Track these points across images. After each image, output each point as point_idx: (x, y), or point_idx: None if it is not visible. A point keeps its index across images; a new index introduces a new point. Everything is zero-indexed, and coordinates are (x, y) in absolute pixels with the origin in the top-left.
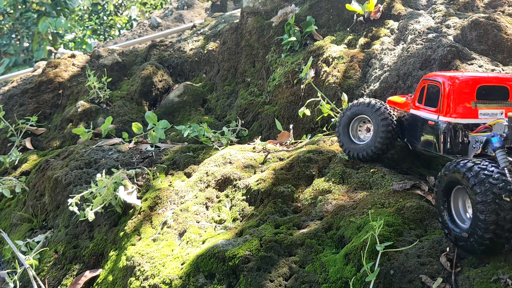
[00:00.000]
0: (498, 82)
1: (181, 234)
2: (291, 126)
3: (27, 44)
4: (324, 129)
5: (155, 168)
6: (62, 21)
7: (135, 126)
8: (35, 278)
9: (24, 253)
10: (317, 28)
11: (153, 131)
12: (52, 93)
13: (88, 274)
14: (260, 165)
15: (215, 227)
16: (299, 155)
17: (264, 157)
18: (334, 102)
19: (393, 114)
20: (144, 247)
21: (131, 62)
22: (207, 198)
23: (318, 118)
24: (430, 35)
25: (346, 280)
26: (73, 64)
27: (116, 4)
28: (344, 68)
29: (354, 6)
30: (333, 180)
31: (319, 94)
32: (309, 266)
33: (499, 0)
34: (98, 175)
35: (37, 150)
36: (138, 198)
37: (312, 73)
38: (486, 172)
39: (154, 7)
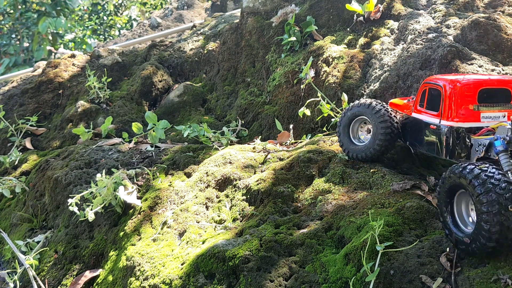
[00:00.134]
0: (500, 84)
1: (181, 234)
2: (291, 126)
3: (27, 44)
4: (324, 129)
5: (155, 168)
6: (62, 21)
7: (135, 126)
8: (35, 278)
9: (24, 253)
10: (317, 28)
11: (153, 131)
12: (52, 93)
13: (88, 274)
14: (260, 165)
15: (215, 227)
16: (299, 155)
17: (264, 157)
18: (334, 102)
19: (393, 116)
20: (144, 247)
21: (131, 62)
22: (207, 198)
23: (318, 118)
24: (430, 35)
25: (346, 280)
26: (73, 64)
27: (116, 4)
28: (344, 68)
29: (354, 6)
30: (333, 180)
31: (319, 94)
32: (309, 266)
33: (499, 0)
34: (98, 175)
35: (37, 150)
36: (138, 198)
37: (312, 73)
38: (493, 181)
39: (154, 7)
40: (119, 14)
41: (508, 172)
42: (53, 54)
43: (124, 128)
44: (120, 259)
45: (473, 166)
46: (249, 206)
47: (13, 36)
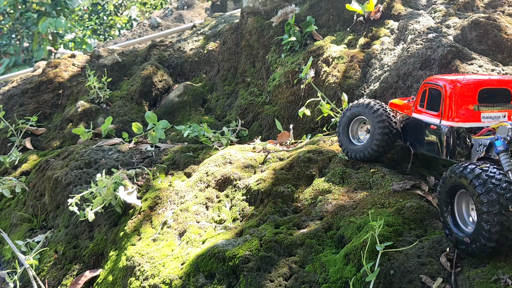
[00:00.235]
0: (500, 84)
1: (181, 234)
2: (291, 126)
3: (27, 44)
4: (324, 129)
5: (155, 168)
6: (62, 21)
7: (135, 126)
8: (35, 278)
9: (24, 253)
10: (317, 28)
11: (153, 131)
12: (52, 93)
13: (88, 274)
14: (260, 165)
15: (215, 227)
16: (299, 155)
17: (264, 157)
18: (334, 102)
19: (392, 117)
20: (144, 247)
21: (131, 62)
22: (207, 198)
23: (318, 118)
24: (430, 35)
25: (346, 280)
26: (73, 64)
27: (116, 4)
28: (344, 68)
29: (354, 6)
30: (333, 180)
31: (319, 94)
32: (309, 266)
33: (499, 0)
34: (98, 175)
35: (37, 150)
36: (138, 198)
37: (312, 73)
38: (493, 181)
39: (154, 7)
40: (119, 14)
41: (509, 172)
42: (53, 54)
43: (124, 128)
44: (120, 259)
45: (474, 166)
46: (249, 206)
47: (13, 36)
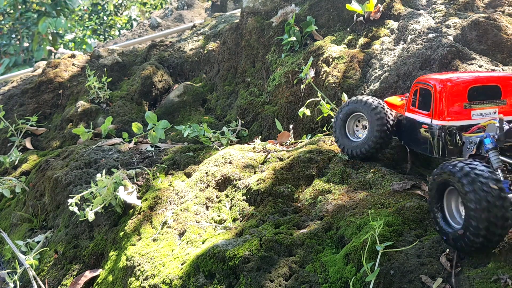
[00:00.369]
0: (489, 81)
1: (181, 234)
2: (291, 126)
3: (27, 44)
4: (324, 129)
5: (155, 168)
6: (62, 21)
7: (135, 126)
8: (35, 278)
9: (24, 253)
10: (317, 28)
11: (153, 131)
12: (52, 93)
13: (88, 274)
14: (260, 165)
15: (215, 227)
16: (299, 155)
17: (264, 157)
18: (334, 102)
19: (389, 114)
20: (144, 247)
21: (131, 62)
22: (207, 198)
23: (318, 118)
24: (430, 35)
25: (346, 280)
26: (73, 64)
27: (116, 4)
28: (344, 68)
29: (354, 6)
30: (333, 180)
31: (319, 94)
32: (309, 266)
33: (499, 0)
34: (98, 175)
35: (37, 150)
36: (138, 198)
37: (312, 73)
38: (481, 179)
39: (154, 7)
40: (119, 14)
41: (498, 169)
42: (53, 54)
43: (124, 128)
44: (120, 259)
45: (463, 164)
46: (249, 206)
47: (13, 36)
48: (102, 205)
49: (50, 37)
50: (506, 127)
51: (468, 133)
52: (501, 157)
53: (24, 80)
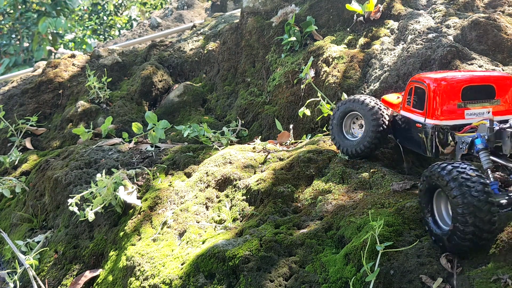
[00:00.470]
0: (483, 81)
1: (181, 234)
2: (291, 126)
3: (27, 44)
4: (324, 129)
5: (155, 168)
6: (62, 21)
7: (135, 126)
8: (35, 278)
9: (24, 253)
10: (317, 28)
11: (153, 131)
12: (52, 93)
13: (88, 274)
14: (260, 165)
15: (215, 227)
16: (299, 155)
17: (264, 157)
18: (334, 102)
19: (385, 113)
20: (144, 247)
21: (131, 62)
22: (207, 198)
23: (318, 118)
24: (430, 35)
25: (346, 280)
26: (73, 64)
27: (116, 4)
28: (344, 68)
29: (354, 6)
30: (333, 180)
31: (319, 94)
32: (309, 266)
33: (499, 0)
34: (98, 175)
35: (37, 150)
36: (138, 198)
37: (312, 73)
38: (469, 183)
39: (154, 7)
40: (119, 14)
41: (488, 170)
42: (53, 54)
43: (124, 128)
44: (120, 259)
45: (451, 167)
46: (249, 206)
47: (13, 36)
48: (102, 205)
49: (50, 37)
50: (496, 127)
51: (461, 133)
52: (491, 157)
53: (24, 80)
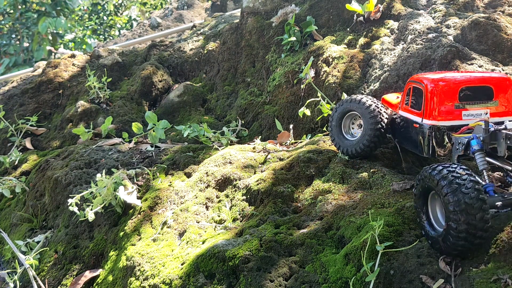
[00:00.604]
0: (481, 82)
1: (181, 234)
2: (291, 126)
3: (27, 44)
4: (324, 129)
5: (155, 168)
6: (62, 21)
7: (135, 126)
8: (35, 278)
9: (24, 253)
10: (317, 28)
11: (153, 131)
12: (52, 93)
13: (88, 274)
14: (260, 165)
15: (215, 227)
16: (299, 155)
17: (264, 157)
18: (334, 102)
19: (384, 112)
20: (144, 247)
21: (131, 62)
22: (207, 198)
23: (318, 118)
24: (430, 35)
25: (346, 280)
26: (73, 64)
27: (116, 4)
28: (344, 68)
29: (354, 6)
30: (333, 180)
31: (319, 94)
32: (309, 266)
33: (499, 0)
34: (98, 175)
35: (37, 150)
36: (138, 198)
37: (312, 73)
38: (459, 180)
39: (154, 7)
40: (119, 14)
41: (483, 171)
42: (53, 54)
43: (124, 128)
44: (120, 259)
45: (441, 167)
46: (249, 206)
47: (13, 36)
48: (102, 205)
49: (50, 37)
50: (491, 129)
51: (458, 134)
52: (487, 159)
53: (24, 80)
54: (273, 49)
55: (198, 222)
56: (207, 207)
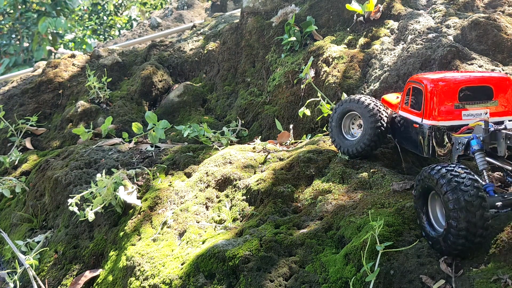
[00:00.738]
0: (481, 82)
1: (181, 234)
2: (291, 126)
3: (27, 44)
4: (324, 129)
5: (155, 168)
6: (62, 21)
7: (135, 126)
8: (35, 278)
9: (24, 253)
10: (317, 28)
11: (153, 131)
12: (52, 93)
13: (88, 274)
14: (260, 165)
15: (215, 227)
16: (299, 155)
17: (264, 157)
18: (334, 102)
19: (383, 112)
20: (144, 247)
21: (131, 62)
22: (207, 198)
23: (318, 118)
24: (430, 35)
25: (346, 280)
26: (73, 64)
27: (116, 4)
28: (344, 68)
29: (354, 6)
30: (333, 180)
31: (319, 94)
32: (309, 266)
33: (499, 0)
34: (98, 175)
35: (37, 150)
36: (138, 198)
37: (312, 73)
38: (458, 179)
39: (154, 7)
40: (119, 14)
41: (483, 171)
42: (53, 54)
43: (124, 128)
44: (120, 259)
45: (440, 167)
46: (249, 206)
47: (13, 36)
48: (102, 205)
49: (50, 37)
50: (491, 129)
51: (458, 134)
52: (487, 159)
53: (24, 80)
54: (273, 49)
55: (198, 222)
56: (207, 207)
